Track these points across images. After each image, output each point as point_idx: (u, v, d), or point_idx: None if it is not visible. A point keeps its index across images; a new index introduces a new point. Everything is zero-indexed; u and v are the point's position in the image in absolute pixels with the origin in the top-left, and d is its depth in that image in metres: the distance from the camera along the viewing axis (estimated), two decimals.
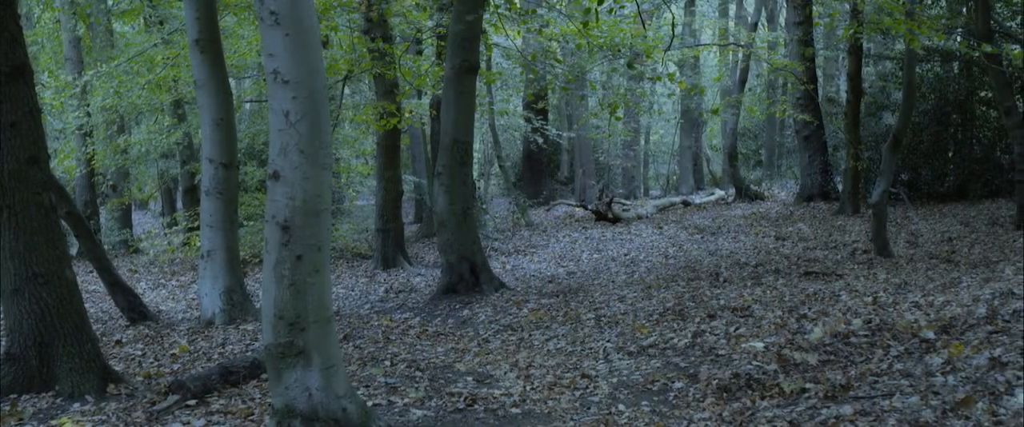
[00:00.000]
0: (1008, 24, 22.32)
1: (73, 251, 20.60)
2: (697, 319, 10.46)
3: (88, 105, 22.56)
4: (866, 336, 8.42)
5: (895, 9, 14.27)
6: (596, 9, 14.25)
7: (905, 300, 10.14)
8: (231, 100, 12.53)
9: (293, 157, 6.00)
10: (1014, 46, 17.95)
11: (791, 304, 10.86)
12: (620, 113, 22.73)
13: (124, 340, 11.52)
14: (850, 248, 16.25)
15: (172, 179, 27.86)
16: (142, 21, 24.30)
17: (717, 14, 39.61)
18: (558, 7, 20.63)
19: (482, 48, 16.85)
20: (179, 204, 27.68)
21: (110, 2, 24.54)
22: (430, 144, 25.25)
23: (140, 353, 10.61)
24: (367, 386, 8.15)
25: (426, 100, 23.77)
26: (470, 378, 8.56)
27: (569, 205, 31.35)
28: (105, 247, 22.80)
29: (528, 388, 8.01)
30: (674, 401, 7.39)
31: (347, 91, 24.26)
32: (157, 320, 13.24)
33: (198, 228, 15.07)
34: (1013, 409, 5.52)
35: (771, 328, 9.47)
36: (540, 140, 31.04)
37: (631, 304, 11.99)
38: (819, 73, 30.58)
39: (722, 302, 11.49)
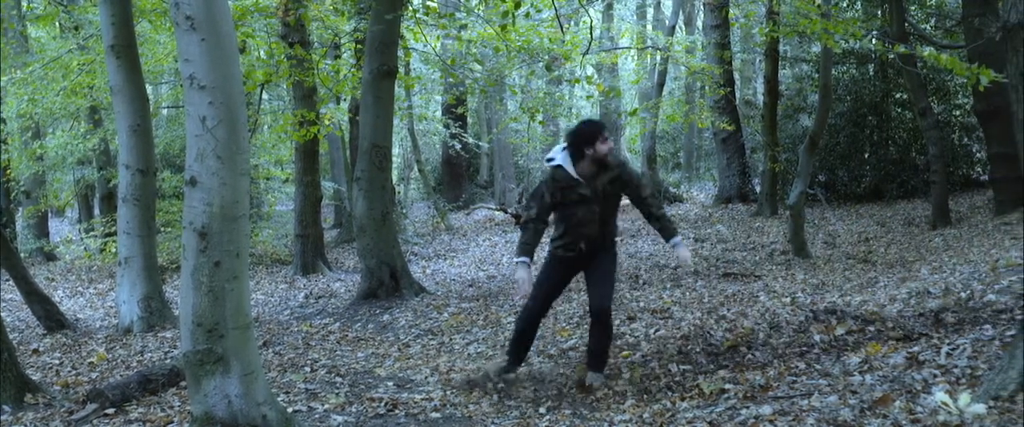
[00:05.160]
0: (922, 26, 22.67)
1: None
2: (617, 321, 10.48)
3: (1, 112, 22.23)
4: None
5: (811, 10, 14.42)
6: (513, 13, 14.27)
7: (823, 300, 10.27)
8: (148, 106, 12.35)
9: (210, 163, 5.93)
10: (927, 48, 18.21)
11: (710, 305, 10.95)
12: (541, 117, 22.74)
13: (41, 349, 11.36)
14: (768, 249, 16.41)
15: (89, 185, 27.54)
16: (57, 26, 23.98)
17: (635, 18, 39.85)
18: (477, 11, 20.63)
19: (401, 53, 16.81)
20: (96, 211, 27.36)
21: (24, 7, 24.18)
22: (349, 149, 25.17)
23: (58, 362, 10.47)
24: (287, 392, 8.10)
25: (345, 105, 23.66)
26: (391, 383, 8.54)
27: (489, 209, 31.38)
28: (21, 255, 22.48)
29: (449, 392, 8.00)
30: (595, 403, 7.41)
31: (265, 96, 24.10)
32: (75, 328, 13.06)
33: (115, 234, 14.90)
34: (930, 407, 5.59)
35: (690, 329, 9.53)
36: (458, 145, 31.02)
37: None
38: (736, 76, 30.87)
39: (642, 304, 11.56)
